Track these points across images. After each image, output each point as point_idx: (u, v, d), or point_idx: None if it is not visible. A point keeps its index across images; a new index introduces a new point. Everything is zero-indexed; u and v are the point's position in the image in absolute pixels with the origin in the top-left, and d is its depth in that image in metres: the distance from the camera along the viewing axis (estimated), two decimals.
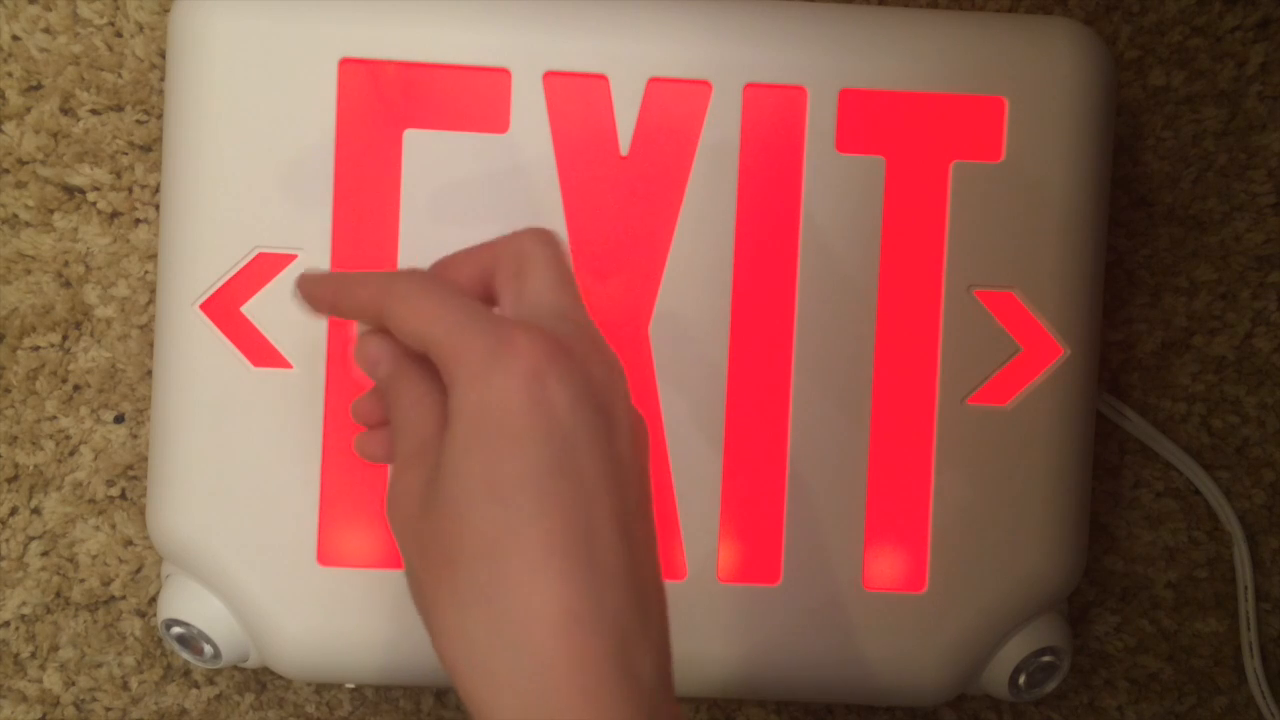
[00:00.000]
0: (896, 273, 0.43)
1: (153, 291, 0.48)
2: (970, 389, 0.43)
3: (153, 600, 0.49)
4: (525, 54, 0.42)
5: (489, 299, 0.32)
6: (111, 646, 0.49)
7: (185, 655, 0.45)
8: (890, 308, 0.43)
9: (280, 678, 0.49)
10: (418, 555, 0.29)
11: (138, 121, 0.48)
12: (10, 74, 0.47)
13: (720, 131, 0.43)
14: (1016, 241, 0.43)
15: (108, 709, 0.49)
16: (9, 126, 0.48)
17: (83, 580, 0.49)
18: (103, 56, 0.48)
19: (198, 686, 0.49)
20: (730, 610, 0.43)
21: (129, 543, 0.49)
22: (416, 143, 0.42)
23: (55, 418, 0.48)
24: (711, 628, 0.43)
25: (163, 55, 0.48)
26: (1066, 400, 0.44)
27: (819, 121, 0.43)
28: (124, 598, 0.49)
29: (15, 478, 0.48)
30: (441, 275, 0.32)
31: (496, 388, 0.28)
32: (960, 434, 0.43)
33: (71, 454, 0.48)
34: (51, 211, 0.48)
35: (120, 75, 0.48)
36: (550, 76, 0.42)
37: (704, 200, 0.43)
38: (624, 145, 0.43)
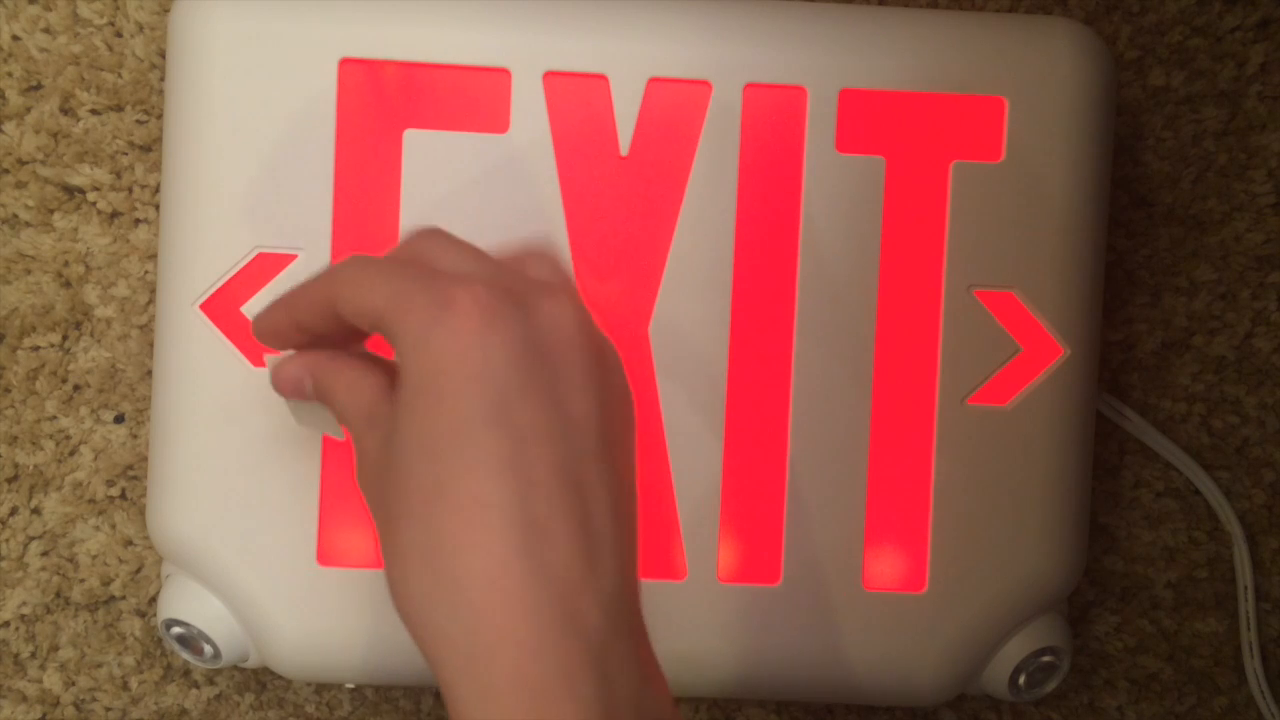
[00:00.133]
0: (896, 273, 0.43)
1: (153, 291, 0.48)
2: (970, 389, 0.43)
3: (153, 600, 0.49)
4: (525, 54, 0.42)
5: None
6: (111, 646, 0.49)
7: (185, 655, 0.44)
8: (890, 308, 0.43)
9: (280, 678, 0.49)
10: (380, 518, 0.30)
11: (138, 121, 0.48)
12: (10, 74, 0.47)
13: (720, 131, 0.43)
14: (1016, 241, 0.43)
15: (108, 709, 0.49)
16: (9, 126, 0.48)
17: (83, 580, 0.49)
18: (103, 56, 0.48)
19: (198, 686, 0.49)
20: (730, 610, 0.43)
21: (129, 543, 0.49)
22: (416, 143, 0.42)
23: (55, 418, 0.48)
24: (711, 628, 0.43)
25: (163, 55, 0.48)
26: (1066, 400, 0.44)
27: (819, 121, 0.43)
28: (124, 598, 0.49)
29: (15, 478, 0.48)
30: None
31: (435, 348, 0.28)
32: (960, 434, 0.43)
33: (71, 454, 0.48)
34: (51, 211, 0.48)
35: (120, 75, 0.48)
36: (550, 76, 0.42)
37: (704, 200, 0.43)
38: (624, 145, 0.43)
